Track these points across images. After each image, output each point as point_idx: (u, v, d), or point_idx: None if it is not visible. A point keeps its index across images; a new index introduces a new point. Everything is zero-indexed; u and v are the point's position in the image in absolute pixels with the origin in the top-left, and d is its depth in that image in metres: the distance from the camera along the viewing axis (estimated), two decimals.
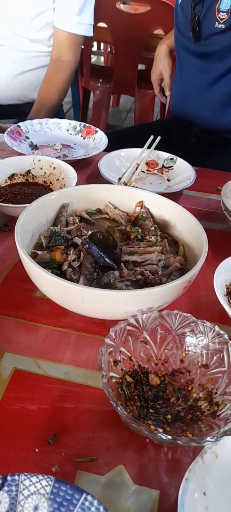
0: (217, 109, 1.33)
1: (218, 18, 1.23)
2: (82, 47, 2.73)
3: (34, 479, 0.41)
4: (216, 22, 1.23)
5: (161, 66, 1.56)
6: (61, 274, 0.62)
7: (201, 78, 1.33)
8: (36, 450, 0.48)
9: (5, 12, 1.40)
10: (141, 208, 0.73)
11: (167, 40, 1.57)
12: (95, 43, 4.47)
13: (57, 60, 1.46)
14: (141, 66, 2.60)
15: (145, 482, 0.46)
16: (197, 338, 0.54)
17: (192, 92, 1.38)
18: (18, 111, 1.51)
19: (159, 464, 0.47)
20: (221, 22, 1.22)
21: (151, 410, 0.50)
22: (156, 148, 1.07)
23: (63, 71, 1.46)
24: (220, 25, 1.22)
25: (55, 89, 1.44)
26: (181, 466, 0.47)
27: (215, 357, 0.52)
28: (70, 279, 0.60)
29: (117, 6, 2.14)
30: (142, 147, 1.06)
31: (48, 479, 0.41)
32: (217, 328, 0.53)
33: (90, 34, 1.49)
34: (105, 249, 0.62)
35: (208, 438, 0.42)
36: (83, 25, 1.44)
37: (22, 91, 1.49)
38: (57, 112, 1.53)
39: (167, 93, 1.58)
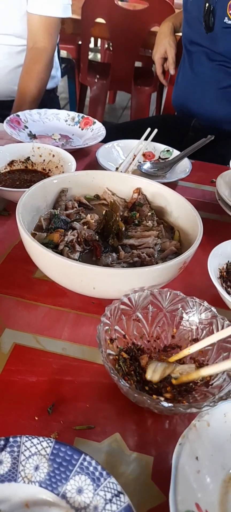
0: (221, 98, 1.36)
1: (229, 14, 1.25)
2: (80, 42, 2.76)
3: (35, 440, 0.43)
4: (226, 18, 1.26)
5: (166, 43, 1.53)
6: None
7: (210, 67, 1.36)
8: (36, 418, 0.50)
9: None
10: (138, 194, 0.75)
11: (172, 19, 1.56)
12: (92, 40, 4.48)
13: (33, 48, 1.39)
14: (137, 64, 2.63)
15: (139, 449, 0.48)
16: (187, 314, 0.56)
17: (199, 83, 1.40)
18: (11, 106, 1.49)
19: (153, 432, 0.50)
20: None
21: (146, 388, 0.52)
22: (152, 141, 1.09)
23: (39, 60, 1.39)
24: (229, 22, 1.25)
25: (33, 81, 1.38)
26: (174, 435, 0.50)
27: (205, 331, 0.55)
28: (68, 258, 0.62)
29: (115, 2, 2.16)
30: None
31: (48, 441, 0.43)
32: (206, 303, 0.55)
33: (67, 14, 1.40)
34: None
35: (207, 403, 0.44)
36: (57, 5, 1.35)
37: (15, 87, 1.46)
38: (53, 106, 1.52)
39: (172, 71, 1.55)
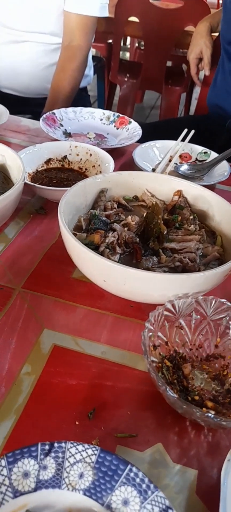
0: None
1: None
2: (110, 41, 2.75)
3: (80, 447, 0.42)
4: None
5: (202, 43, 1.51)
6: None
7: None
8: (77, 423, 0.49)
9: (26, 6, 1.38)
10: (179, 197, 0.73)
11: (209, 19, 1.54)
12: None
13: (68, 46, 1.39)
14: (168, 63, 2.60)
15: (183, 461, 0.47)
16: None
17: None
18: (43, 103, 1.50)
19: (196, 444, 0.48)
20: None
21: (189, 398, 0.51)
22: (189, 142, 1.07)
23: (74, 58, 1.39)
24: None
25: (67, 79, 1.38)
26: (218, 449, 0.48)
27: None
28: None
29: (150, 1, 2.14)
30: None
31: (94, 449, 0.41)
32: None
33: (104, 14, 1.39)
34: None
35: None
36: (95, 4, 1.35)
37: (48, 85, 1.46)
38: (84, 104, 1.52)
39: (207, 72, 1.54)
